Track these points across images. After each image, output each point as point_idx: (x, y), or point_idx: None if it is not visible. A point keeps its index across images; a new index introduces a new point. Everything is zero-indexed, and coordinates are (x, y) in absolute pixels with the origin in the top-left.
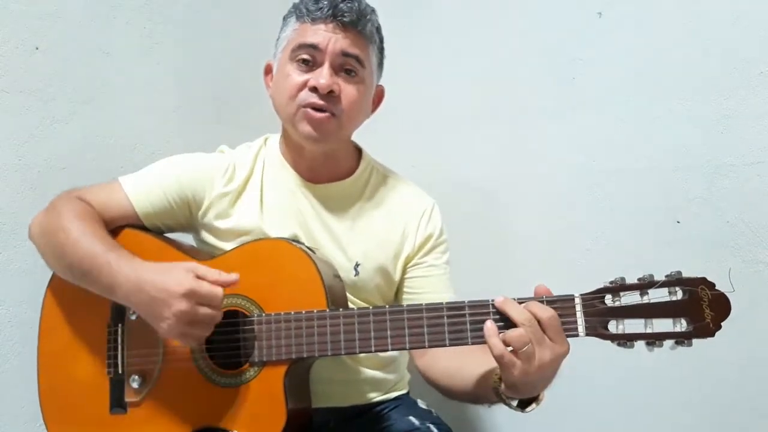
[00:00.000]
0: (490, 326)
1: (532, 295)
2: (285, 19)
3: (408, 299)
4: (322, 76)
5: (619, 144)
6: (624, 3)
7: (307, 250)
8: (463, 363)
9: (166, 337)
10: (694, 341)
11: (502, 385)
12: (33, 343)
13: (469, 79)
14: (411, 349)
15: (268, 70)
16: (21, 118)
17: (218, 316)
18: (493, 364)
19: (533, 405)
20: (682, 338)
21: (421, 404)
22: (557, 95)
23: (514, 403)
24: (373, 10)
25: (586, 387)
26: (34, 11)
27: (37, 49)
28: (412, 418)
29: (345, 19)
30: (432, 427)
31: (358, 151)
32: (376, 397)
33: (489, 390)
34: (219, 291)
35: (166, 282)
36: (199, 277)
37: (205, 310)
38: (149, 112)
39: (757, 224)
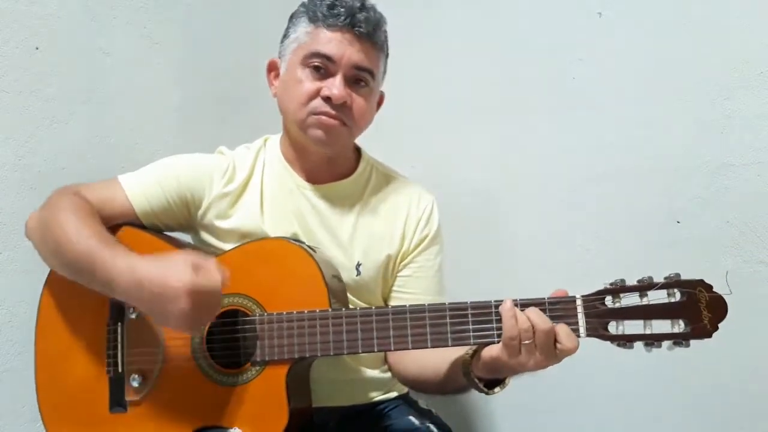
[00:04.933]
0: (509, 306)
1: (533, 294)
2: (294, 17)
3: (396, 297)
4: (336, 87)
5: (619, 144)
6: (624, 3)
7: (308, 249)
8: (433, 351)
9: (176, 330)
10: (692, 342)
11: (473, 368)
12: (33, 343)
13: (469, 79)
14: (414, 348)
15: (271, 68)
16: (21, 118)
17: (218, 304)
18: (461, 351)
19: (498, 388)
20: (680, 339)
21: (422, 404)
22: (557, 95)
23: (482, 384)
24: (385, 20)
25: (585, 387)
26: (34, 11)
27: (37, 49)
28: (412, 418)
29: (361, 30)
30: (432, 426)
31: (357, 151)
32: (376, 396)
33: (459, 372)
34: (218, 278)
35: (166, 278)
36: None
37: (207, 302)
38: (149, 111)
39: (757, 224)
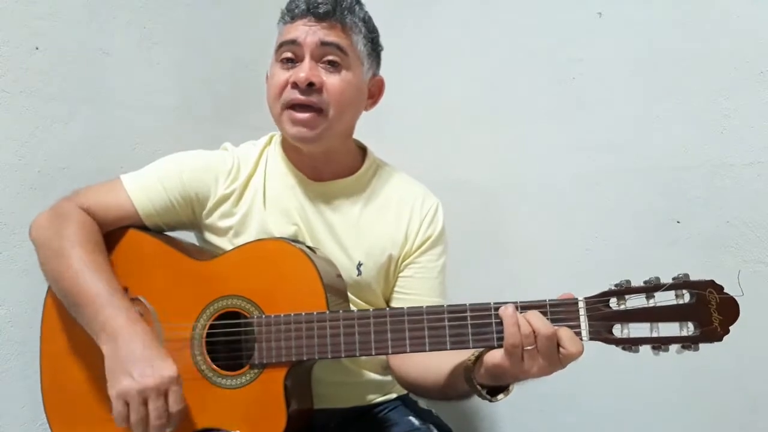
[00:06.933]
0: (511, 312)
1: (532, 294)
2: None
3: (397, 298)
4: (302, 70)
5: (619, 144)
6: (624, 3)
7: (307, 250)
8: (435, 356)
9: (114, 393)
10: (701, 345)
11: (476, 375)
12: (33, 343)
13: (469, 79)
14: (412, 352)
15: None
16: (21, 118)
17: (160, 425)
18: (464, 356)
19: (501, 395)
20: (688, 342)
21: (422, 404)
22: (557, 95)
23: (485, 391)
24: (356, 2)
25: (585, 386)
26: (34, 11)
27: (37, 49)
28: (412, 419)
29: (320, 11)
30: (432, 427)
31: (363, 150)
32: (376, 398)
33: (461, 379)
34: (175, 408)
35: (159, 355)
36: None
37: (159, 404)
38: (149, 112)
39: (757, 224)
